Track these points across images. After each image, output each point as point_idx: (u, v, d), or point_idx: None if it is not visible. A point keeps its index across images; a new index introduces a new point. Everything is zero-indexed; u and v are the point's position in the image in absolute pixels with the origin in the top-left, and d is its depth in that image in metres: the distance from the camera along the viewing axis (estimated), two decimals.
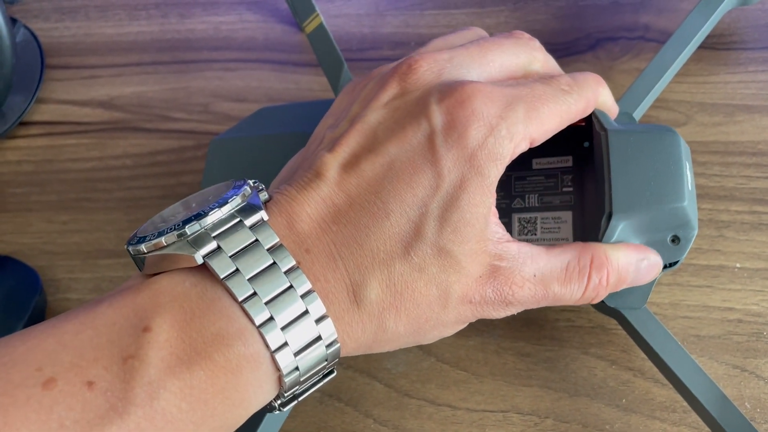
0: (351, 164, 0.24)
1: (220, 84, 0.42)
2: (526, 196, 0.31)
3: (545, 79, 0.26)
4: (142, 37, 0.45)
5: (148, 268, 0.22)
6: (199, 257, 0.21)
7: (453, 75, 0.25)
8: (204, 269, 0.21)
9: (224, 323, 0.20)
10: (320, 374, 0.23)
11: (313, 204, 0.23)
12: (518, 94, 0.24)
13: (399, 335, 0.24)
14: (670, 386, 0.30)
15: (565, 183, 0.31)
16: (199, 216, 0.21)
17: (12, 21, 0.42)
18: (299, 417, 0.33)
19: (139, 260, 0.22)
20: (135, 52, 0.45)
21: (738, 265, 0.32)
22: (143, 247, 0.22)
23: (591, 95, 0.27)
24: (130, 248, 0.22)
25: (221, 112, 0.42)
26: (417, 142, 0.23)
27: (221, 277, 0.21)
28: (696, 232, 0.27)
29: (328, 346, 0.22)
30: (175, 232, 0.21)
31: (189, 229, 0.21)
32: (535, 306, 0.25)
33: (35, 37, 0.45)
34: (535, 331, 0.33)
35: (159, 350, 0.19)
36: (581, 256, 0.25)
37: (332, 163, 0.24)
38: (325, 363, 0.22)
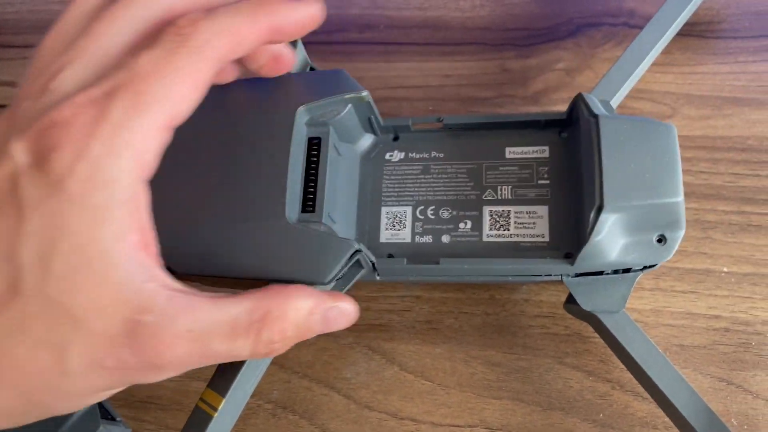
0: None
1: None
2: (499, 187, 0.28)
3: (153, 40, 0.20)
4: None
5: None
6: None
7: (38, 107, 0.20)
8: None
9: None
10: None
11: None
12: (115, 87, 0.19)
13: (10, 412, 0.20)
14: (652, 400, 0.28)
15: (541, 175, 0.28)
16: None
17: None
18: (249, 430, 0.30)
19: None
20: None
21: (725, 269, 0.30)
22: None
23: (222, 43, 0.21)
24: None
25: None
26: (1, 190, 0.19)
27: None
28: (683, 232, 0.25)
29: None
30: None
31: None
32: (197, 366, 0.21)
33: None
34: (507, 339, 0.30)
35: None
36: (255, 309, 0.21)
37: None
38: None
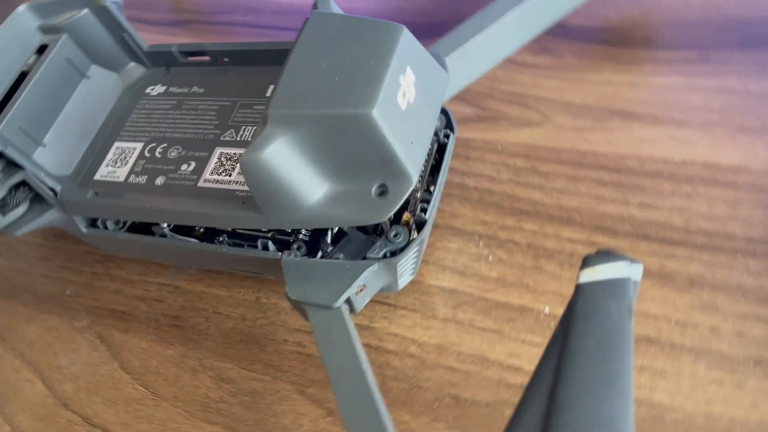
0: None
1: None
2: (243, 128, 0.23)
3: None
4: None
5: None
6: None
7: None
8: None
9: None
10: None
11: None
12: None
13: None
14: None
15: None
16: None
17: None
18: None
19: None
20: None
21: (547, 309, 0.22)
22: None
23: None
24: None
25: None
26: None
27: None
28: (412, 182, 0.18)
29: None
30: None
31: None
32: None
33: None
34: (252, 352, 0.23)
35: None
36: None
37: None
38: None
